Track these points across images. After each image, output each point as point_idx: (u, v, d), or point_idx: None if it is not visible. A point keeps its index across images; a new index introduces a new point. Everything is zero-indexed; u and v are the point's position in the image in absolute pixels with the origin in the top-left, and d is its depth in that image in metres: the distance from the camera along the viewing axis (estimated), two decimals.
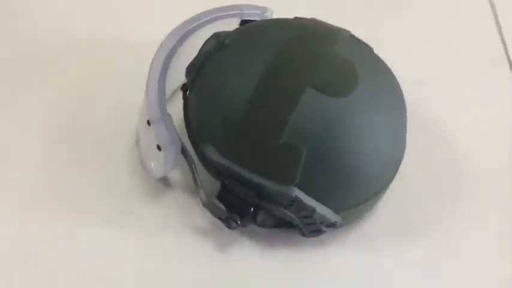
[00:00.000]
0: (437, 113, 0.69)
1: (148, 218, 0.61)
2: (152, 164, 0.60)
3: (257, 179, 0.52)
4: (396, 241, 0.60)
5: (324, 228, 0.56)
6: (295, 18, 0.59)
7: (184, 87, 0.60)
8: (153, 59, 0.60)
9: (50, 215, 0.61)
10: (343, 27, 0.57)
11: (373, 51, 0.57)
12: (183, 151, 0.58)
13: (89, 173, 0.64)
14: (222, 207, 0.56)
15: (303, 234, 0.58)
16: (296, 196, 0.52)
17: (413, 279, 0.58)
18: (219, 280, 0.58)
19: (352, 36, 0.56)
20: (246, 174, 0.52)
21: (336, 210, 0.54)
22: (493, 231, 0.61)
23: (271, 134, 0.51)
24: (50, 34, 0.76)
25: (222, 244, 0.60)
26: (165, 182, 0.63)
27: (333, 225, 0.56)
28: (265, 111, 0.51)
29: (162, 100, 0.58)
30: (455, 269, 0.59)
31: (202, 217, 0.60)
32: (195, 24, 0.62)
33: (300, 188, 0.52)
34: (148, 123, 0.57)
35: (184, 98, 0.60)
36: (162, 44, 0.60)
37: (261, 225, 0.59)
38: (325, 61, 0.52)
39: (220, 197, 0.55)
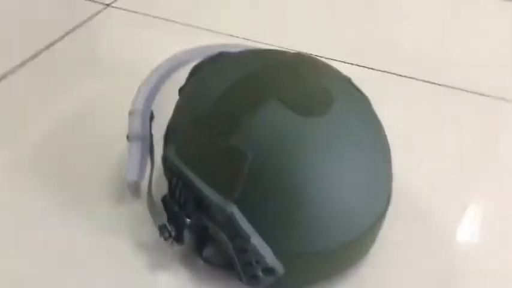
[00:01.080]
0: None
1: (101, 217, 0.59)
2: (124, 169, 0.59)
3: (199, 183, 0.48)
4: None
5: (260, 273, 0.49)
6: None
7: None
8: (154, 68, 0.60)
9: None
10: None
11: (367, 100, 0.52)
12: (151, 151, 0.56)
13: (77, 163, 0.65)
14: (165, 215, 0.52)
15: (240, 279, 0.51)
16: (232, 213, 0.46)
17: None
18: None
19: (349, 80, 0.52)
20: (192, 176, 0.48)
21: (277, 253, 0.47)
22: None
23: (222, 135, 0.47)
24: None
25: (156, 264, 0.54)
26: (135, 193, 0.60)
27: (271, 272, 0.48)
28: (224, 114, 0.48)
29: (150, 99, 0.58)
30: None
31: (152, 235, 0.55)
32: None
33: (241, 211, 0.46)
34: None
35: None
36: (167, 59, 0.61)
37: (206, 260, 0.54)
38: (303, 83, 0.49)
39: (164, 200, 0.51)
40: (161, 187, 0.54)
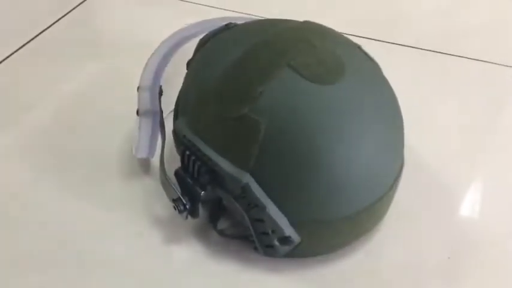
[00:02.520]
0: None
1: (113, 193, 0.59)
2: (134, 146, 0.59)
3: (213, 155, 0.47)
4: None
5: (277, 243, 0.49)
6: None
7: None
8: (161, 43, 0.60)
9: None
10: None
11: (377, 66, 0.52)
12: (161, 125, 0.55)
13: (86, 142, 0.65)
14: (178, 188, 0.51)
15: (256, 248, 0.51)
16: (247, 184, 0.46)
17: None
18: (146, 267, 0.52)
19: (359, 47, 0.52)
20: (204, 148, 0.48)
21: (293, 221, 0.47)
22: None
23: (234, 105, 0.46)
24: None
25: (170, 238, 0.54)
26: (145, 168, 0.61)
27: (287, 241, 0.48)
28: (236, 83, 0.47)
29: (158, 74, 0.57)
30: None
31: (165, 209, 0.56)
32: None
33: (255, 180, 0.46)
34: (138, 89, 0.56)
35: None
36: (173, 33, 0.60)
37: (220, 232, 0.54)
38: (314, 51, 0.48)
39: (177, 173, 0.51)
40: (173, 161, 0.54)
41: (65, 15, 0.86)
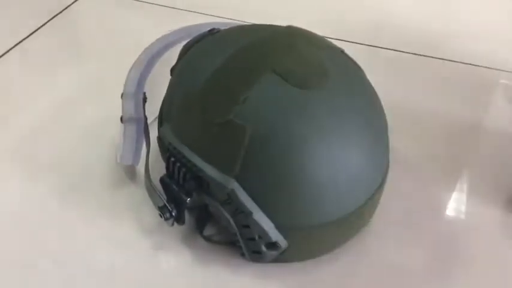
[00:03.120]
0: None
1: (98, 200, 0.58)
2: (119, 153, 0.58)
3: (198, 161, 0.47)
4: None
5: (264, 248, 0.49)
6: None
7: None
8: (144, 49, 0.60)
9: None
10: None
11: (361, 70, 0.52)
12: (146, 132, 0.55)
13: (71, 148, 0.64)
14: (163, 195, 0.51)
15: (243, 254, 0.51)
16: (232, 190, 0.46)
17: None
18: (132, 274, 0.52)
19: (342, 52, 0.52)
20: (189, 155, 0.48)
21: (280, 227, 0.47)
22: None
23: (219, 110, 0.46)
24: None
25: (156, 245, 0.54)
26: (130, 175, 0.60)
27: (274, 247, 0.48)
28: (220, 89, 0.47)
29: (142, 81, 0.57)
30: None
31: (150, 216, 0.56)
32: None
33: (241, 186, 0.46)
34: (122, 96, 0.56)
35: None
36: (157, 39, 0.60)
37: (207, 238, 0.54)
38: (298, 55, 0.48)
39: (163, 180, 0.51)
40: (158, 168, 0.53)
41: (48, 21, 0.86)
